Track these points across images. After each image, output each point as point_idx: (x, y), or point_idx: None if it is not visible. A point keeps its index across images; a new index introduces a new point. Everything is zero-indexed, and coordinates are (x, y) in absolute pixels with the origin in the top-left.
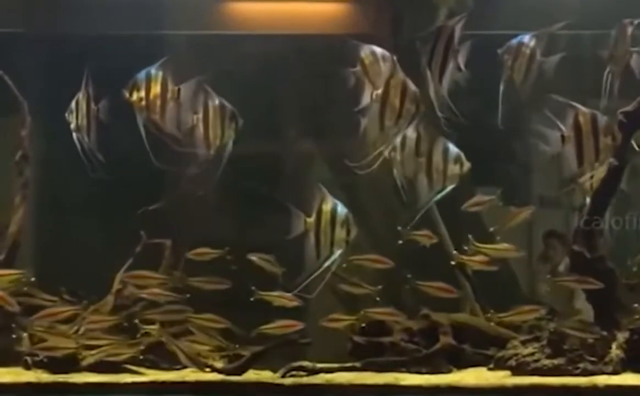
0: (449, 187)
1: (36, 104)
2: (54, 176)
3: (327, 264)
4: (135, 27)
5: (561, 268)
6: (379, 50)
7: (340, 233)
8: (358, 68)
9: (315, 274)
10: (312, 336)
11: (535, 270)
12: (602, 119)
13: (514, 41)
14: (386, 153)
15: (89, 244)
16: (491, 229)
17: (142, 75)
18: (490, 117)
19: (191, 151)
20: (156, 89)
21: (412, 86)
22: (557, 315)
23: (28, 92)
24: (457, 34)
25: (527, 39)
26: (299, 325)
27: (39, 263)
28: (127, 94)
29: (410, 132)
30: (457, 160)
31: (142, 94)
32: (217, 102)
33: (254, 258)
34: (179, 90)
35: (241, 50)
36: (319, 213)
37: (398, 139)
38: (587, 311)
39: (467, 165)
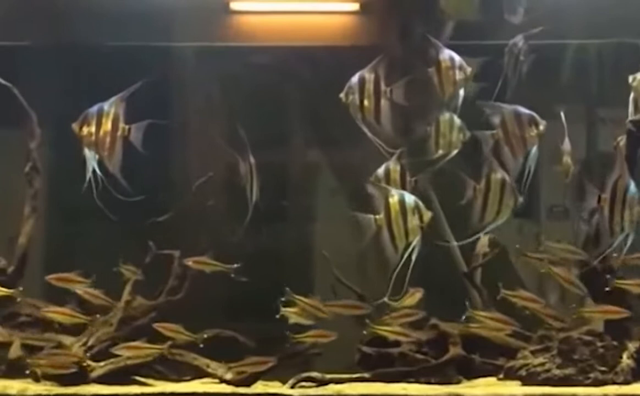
0: (533, 149)
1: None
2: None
3: (407, 255)
4: (146, 39)
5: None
6: (457, 58)
7: (412, 220)
8: (433, 69)
9: (398, 267)
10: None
11: None
12: (634, 190)
13: (511, 41)
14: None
15: (98, 254)
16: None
17: (93, 110)
18: None
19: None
20: (107, 125)
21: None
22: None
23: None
24: (382, 74)
25: (516, 39)
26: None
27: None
28: (76, 128)
29: None
30: (532, 121)
31: (92, 129)
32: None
33: (189, 262)
34: (129, 129)
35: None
36: (387, 207)
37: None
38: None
39: (542, 123)
